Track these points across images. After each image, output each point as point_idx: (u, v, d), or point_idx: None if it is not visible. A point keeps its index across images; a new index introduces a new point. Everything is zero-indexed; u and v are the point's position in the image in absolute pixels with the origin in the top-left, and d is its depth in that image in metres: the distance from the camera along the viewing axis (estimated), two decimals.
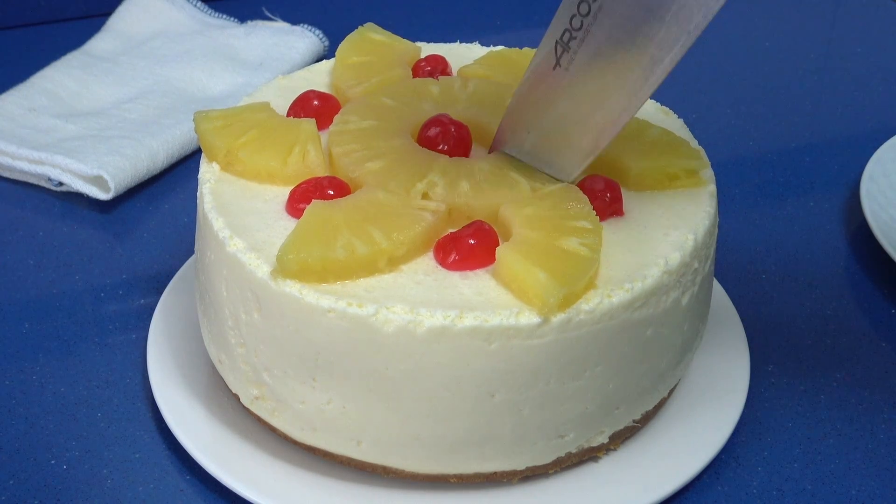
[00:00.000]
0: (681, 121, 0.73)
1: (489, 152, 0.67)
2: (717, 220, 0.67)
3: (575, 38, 0.60)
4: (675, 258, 0.61)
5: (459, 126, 0.67)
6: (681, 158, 0.67)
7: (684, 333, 0.65)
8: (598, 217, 0.61)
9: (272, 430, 0.65)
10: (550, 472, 0.64)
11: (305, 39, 1.09)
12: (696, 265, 0.63)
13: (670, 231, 0.63)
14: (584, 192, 0.64)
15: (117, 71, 1.04)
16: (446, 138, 0.66)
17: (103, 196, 0.88)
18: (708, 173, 0.68)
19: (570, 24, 0.60)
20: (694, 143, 0.70)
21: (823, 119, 1.07)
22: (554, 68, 0.62)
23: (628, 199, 0.65)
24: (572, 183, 0.64)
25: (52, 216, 0.89)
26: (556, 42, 0.61)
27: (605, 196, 0.64)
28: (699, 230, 0.64)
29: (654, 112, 0.74)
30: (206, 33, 1.10)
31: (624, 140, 0.67)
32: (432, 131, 0.67)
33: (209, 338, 0.67)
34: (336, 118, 0.69)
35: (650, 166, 0.66)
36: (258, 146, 0.66)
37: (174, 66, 1.04)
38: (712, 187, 0.67)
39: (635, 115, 0.67)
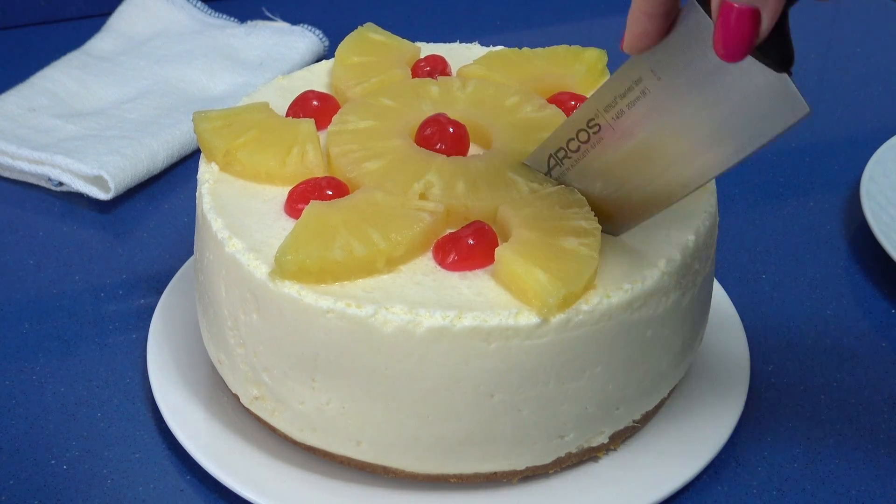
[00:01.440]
0: None
1: None
2: (718, 219, 0.67)
3: (570, 157, 0.62)
4: (675, 259, 0.61)
5: (457, 125, 0.67)
6: None
7: (685, 334, 0.65)
8: (595, 218, 0.61)
9: (272, 431, 0.65)
10: (550, 472, 0.64)
11: (305, 39, 1.09)
12: (696, 266, 0.63)
13: (671, 231, 0.63)
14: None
15: (117, 71, 1.04)
16: (443, 138, 0.66)
17: (103, 196, 0.88)
18: None
19: (567, 145, 0.62)
20: None
21: (823, 119, 1.07)
22: (546, 174, 0.64)
23: None
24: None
25: (52, 216, 0.89)
26: (550, 154, 0.63)
27: None
28: (700, 230, 0.64)
29: None
30: (206, 33, 1.10)
31: None
32: (429, 131, 0.67)
33: (209, 338, 0.67)
34: (335, 118, 0.69)
35: None
36: (257, 146, 0.66)
37: (174, 66, 1.04)
38: (712, 186, 0.67)
39: None
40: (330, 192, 0.63)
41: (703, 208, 0.65)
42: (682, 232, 0.63)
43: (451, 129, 0.66)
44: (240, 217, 0.63)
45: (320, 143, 0.67)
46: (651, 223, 0.63)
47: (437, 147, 0.66)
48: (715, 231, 0.66)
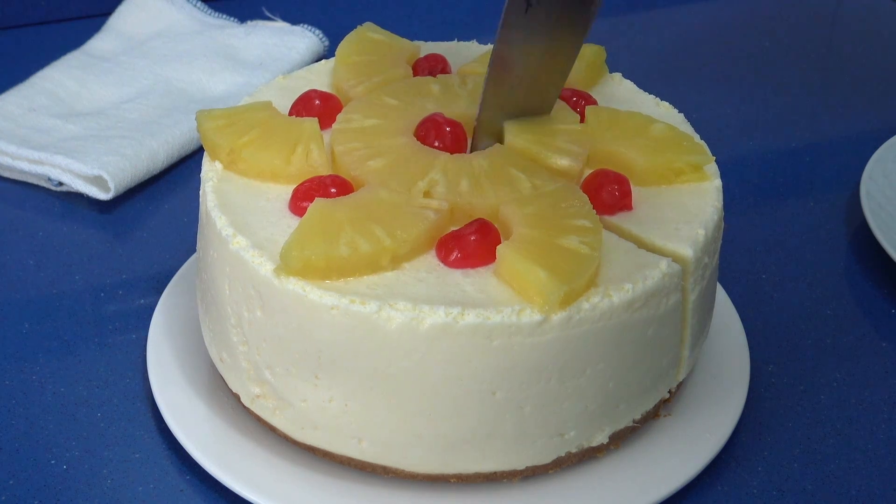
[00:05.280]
0: (681, 115, 0.73)
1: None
2: (723, 213, 0.67)
3: None
4: (687, 254, 0.62)
5: (453, 124, 0.67)
6: (685, 153, 0.68)
7: (693, 327, 0.65)
8: (597, 216, 0.62)
9: (272, 431, 0.65)
10: (550, 471, 0.64)
11: (305, 39, 1.09)
12: (706, 259, 0.64)
13: (681, 226, 0.64)
14: (594, 187, 0.64)
15: (117, 71, 1.04)
16: (440, 136, 0.66)
17: (103, 196, 0.88)
18: (712, 168, 0.68)
19: None
20: (696, 137, 0.71)
21: (823, 119, 1.07)
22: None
23: (635, 194, 0.66)
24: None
25: (52, 216, 0.89)
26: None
27: (614, 190, 0.64)
28: (709, 224, 0.64)
29: (654, 107, 0.74)
30: (206, 33, 1.10)
31: (628, 136, 0.68)
32: (426, 131, 0.67)
33: (210, 337, 0.67)
34: (339, 117, 0.69)
35: (655, 162, 0.67)
36: (261, 145, 0.66)
37: (174, 66, 1.04)
38: (718, 182, 0.67)
39: (638, 111, 0.71)
40: (334, 190, 0.63)
41: (710, 203, 0.66)
42: (692, 226, 0.64)
43: (447, 129, 0.67)
44: (244, 215, 0.63)
45: (324, 141, 0.67)
46: (659, 219, 0.64)
47: (436, 146, 0.66)
48: (721, 225, 0.67)
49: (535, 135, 0.67)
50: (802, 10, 1.28)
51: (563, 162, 0.66)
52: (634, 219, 0.64)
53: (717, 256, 0.67)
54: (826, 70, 1.16)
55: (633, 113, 0.71)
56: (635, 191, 0.66)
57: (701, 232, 0.63)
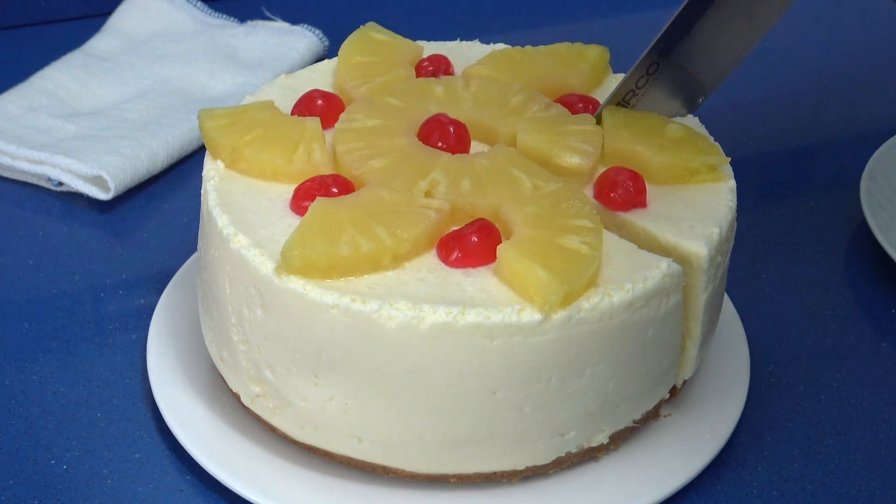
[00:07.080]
0: (696, 119, 0.73)
1: None
2: (736, 214, 0.67)
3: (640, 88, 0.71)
4: (702, 252, 0.62)
5: (457, 125, 0.67)
6: (701, 154, 0.68)
7: (704, 325, 0.66)
8: (598, 216, 0.62)
9: (272, 431, 0.65)
10: (550, 471, 0.64)
11: (305, 39, 1.09)
12: (719, 258, 0.64)
13: (695, 224, 0.64)
14: (609, 183, 0.65)
15: (117, 71, 1.04)
16: (444, 137, 0.66)
17: (103, 196, 0.88)
18: (727, 169, 0.68)
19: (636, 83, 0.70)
20: (710, 138, 0.71)
21: (823, 119, 1.07)
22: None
23: (649, 192, 0.66)
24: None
25: (52, 216, 0.89)
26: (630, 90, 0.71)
27: (629, 187, 0.64)
28: (723, 224, 0.65)
29: None
30: (206, 33, 1.10)
31: (644, 135, 0.68)
32: (430, 131, 0.67)
33: (211, 336, 0.67)
34: (342, 116, 0.69)
35: (671, 161, 0.67)
36: (263, 144, 0.66)
37: (174, 66, 1.04)
38: (732, 182, 0.68)
39: (654, 112, 0.72)
40: (335, 190, 0.63)
41: (724, 203, 0.66)
42: (706, 224, 0.64)
43: (451, 129, 0.67)
44: (245, 214, 0.63)
45: (326, 141, 0.67)
46: (674, 216, 0.64)
47: (439, 147, 0.66)
48: (734, 226, 0.67)
49: (548, 133, 0.67)
50: (802, 10, 1.28)
51: (573, 160, 0.66)
52: (649, 216, 0.65)
53: (728, 256, 0.67)
54: (826, 70, 1.16)
55: (647, 113, 0.71)
56: (650, 189, 0.66)
57: (715, 230, 0.64)
